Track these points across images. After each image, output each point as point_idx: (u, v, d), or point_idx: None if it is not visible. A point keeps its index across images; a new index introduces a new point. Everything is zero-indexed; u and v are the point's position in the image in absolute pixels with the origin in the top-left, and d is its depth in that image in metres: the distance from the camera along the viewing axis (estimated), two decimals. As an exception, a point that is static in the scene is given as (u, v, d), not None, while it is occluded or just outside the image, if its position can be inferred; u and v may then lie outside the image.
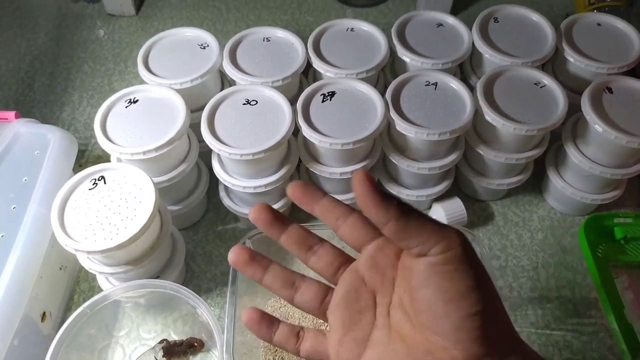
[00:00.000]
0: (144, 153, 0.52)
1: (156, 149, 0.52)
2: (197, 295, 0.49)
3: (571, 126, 0.63)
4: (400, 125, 0.55)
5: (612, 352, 0.57)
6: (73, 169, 0.62)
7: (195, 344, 0.57)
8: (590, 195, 0.63)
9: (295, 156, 0.59)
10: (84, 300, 0.51)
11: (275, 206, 0.62)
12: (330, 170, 0.58)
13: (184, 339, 0.57)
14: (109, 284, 0.56)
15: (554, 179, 0.65)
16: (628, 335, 0.55)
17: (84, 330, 0.54)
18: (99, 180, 0.51)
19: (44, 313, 0.55)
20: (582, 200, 0.64)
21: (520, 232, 0.67)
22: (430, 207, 0.67)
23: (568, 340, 0.58)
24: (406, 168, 0.59)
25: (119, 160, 0.56)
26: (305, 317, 0.58)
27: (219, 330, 0.47)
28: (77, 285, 0.62)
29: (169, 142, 0.53)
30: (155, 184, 0.50)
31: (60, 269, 0.59)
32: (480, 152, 0.61)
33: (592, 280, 0.61)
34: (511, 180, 0.64)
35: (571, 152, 0.61)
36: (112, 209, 0.49)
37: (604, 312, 0.58)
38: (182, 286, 0.49)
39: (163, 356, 0.57)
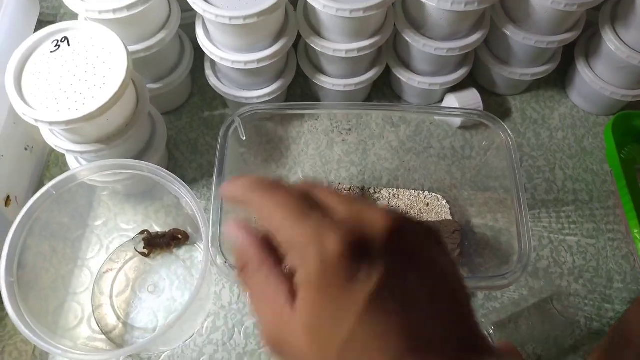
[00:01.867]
0: (114, 11, 0.44)
1: (128, 7, 0.44)
2: (181, 181, 0.43)
3: (610, 8, 0.54)
4: (420, -7, 0.47)
5: (627, 259, 0.53)
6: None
7: (179, 236, 0.52)
8: (622, 91, 0.57)
9: (293, 28, 0.50)
10: (55, 186, 0.44)
11: (269, 90, 0.55)
12: (334, 47, 0.50)
13: (167, 231, 0.53)
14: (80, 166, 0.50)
15: (582, 71, 0.58)
16: (650, 241, 0.51)
17: (55, 218, 0.49)
18: (61, 41, 0.43)
19: (8, 197, 0.49)
20: (612, 96, 0.57)
21: (538, 130, 0.61)
22: (442, 99, 0.61)
23: (582, 245, 0.54)
24: (422, 48, 0.51)
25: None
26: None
27: (205, 221, 0.41)
28: (47, 169, 0.56)
29: (144, 0, 0.44)
30: (127, 48, 0.42)
31: (26, 149, 0.52)
32: (507, 32, 0.53)
33: (615, 184, 0.56)
34: (537, 70, 0.57)
35: (608, 38, 0.53)
36: (78, 75, 0.42)
37: (625, 216, 0.54)
38: (162, 169, 0.43)
39: (144, 248, 0.52)
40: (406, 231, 0.23)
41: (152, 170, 0.43)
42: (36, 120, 0.40)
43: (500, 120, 0.44)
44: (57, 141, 0.45)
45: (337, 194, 0.25)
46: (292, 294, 0.23)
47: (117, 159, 0.47)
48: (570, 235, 0.55)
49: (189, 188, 0.43)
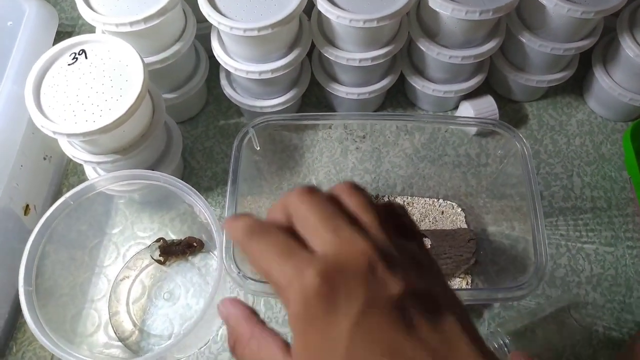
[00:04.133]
0: (131, 24, 0.45)
1: (145, 20, 0.45)
2: (195, 190, 0.43)
3: (629, 14, 0.54)
4: (435, 1, 0.46)
5: (647, 268, 0.52)
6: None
7: (195, 244, 0.53)
8: (642, 97, 0.56)
9: (307, 38, 0.51)
10: (73, 194, 0.45)
11: (284, 99, 0.55)
12: (348, 56, 0.50)
13: (182, 239, 0.53)
14: (97, 176, 0.50)
15: (600, 77, 0.57)
16: (670, 250, 0.50)
17: (73, 227, 0.50)
18: (79, 54, 0.44)
19: (27, 206, 0.50)
20: (631, 102, 0.56)
21: (555, 137, 0.60)
22: (457, 107, 0.60)
23: (600, 253, 0.53)
24: (436, 56, 0.51)
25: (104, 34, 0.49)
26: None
27: (218, 230, 0.42)
28: (66, 178, 0.57)
29: (160, 13, 0.45)
30: (144, 61, 0.43)
31: (45, 159, 0.53)
32: (523, 40, 0.52)
33: (633, 191, 0.55)
34: (553, 77, 0.57)
35: (626, 44, 0.52)
36: (95, 87, 0.42)
37: (645, 224, 0.53)
38: (177, 179, 0.43)
39: (160, 255, 0.52)
40: (388, 252, 0.23)
41: (167, 181, 0.43)
42: (54, 133, 0.41)
43: (516, 129, 0.44)
44: (74, 152, 0.46)
45: (325, 216, 0.24)
46: (287, 345, 0.24)
47: (134, 169, 0.48)
48: (588, 243, 0.54)
49: (203, 198, 0.43)
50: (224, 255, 0.38)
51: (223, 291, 0.50)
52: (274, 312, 0.50)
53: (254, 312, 0.26)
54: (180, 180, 0.43)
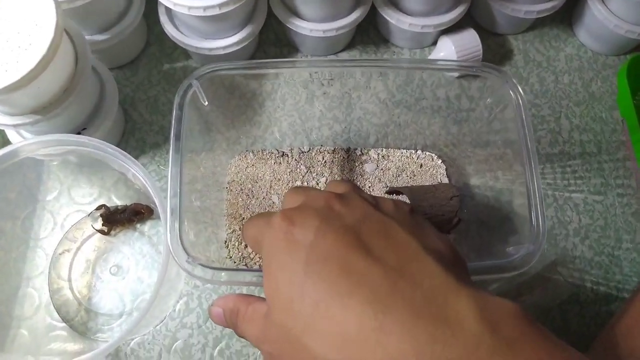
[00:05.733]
0: (36, -50, 0.36)
1: (53, -56, 0.35)
2: (128, 155, 0.36)
3: None
4: None
5: (637, 217, 0.49)
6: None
7: (142, 210, 0.46)
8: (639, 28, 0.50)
9: (261, -36, 0.42)
10: None
11: (236, 38, 0.48)
12: (309, -14, 0.42)
13: (128, 205, 0.47)
14: (21, 140, 0.43)
15: (594, 6, 0.51)
16: (665, 199, 0.46)
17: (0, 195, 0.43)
18: (-26, -8, 0.35)
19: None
20: (627, 34, 0.50)
21: (543, 74, 0.54)
22: (436, 42, 0.53)
23: (589, 203, 0.49)
24: (412, -16, 0.44)
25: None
26: (278, 180, 0.47)
27: (161, 199, 0.36)
28: (-12, 140, 0.49)
29: None
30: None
31: (-43, 119, 0.45)
32: (513, -37, 0.45)
33: (627, 133, 0.50)
34: (543, 6, 0.50)
35: (628, -33, 0.46)
36: (-3, 34, 0.34)
37: (638, 169, 0.49)
38: (106, 143, 0.36)
39: (103, 224, 0.46)
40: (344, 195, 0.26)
41: (96, 146, 0.36)
42: (-50, 93, 0.33)
43: (509, 74, 0.37)
44: (-16, 113, 0.38)
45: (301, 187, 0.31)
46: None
47: (60, 128, 0.40)
48: (577, 192, 0.50)
49: (138, 162, 0.36)
50: (169, 237, 0.32)
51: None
52: (237, 283, 0.45)
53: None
54: (111, 145, 0.36)
